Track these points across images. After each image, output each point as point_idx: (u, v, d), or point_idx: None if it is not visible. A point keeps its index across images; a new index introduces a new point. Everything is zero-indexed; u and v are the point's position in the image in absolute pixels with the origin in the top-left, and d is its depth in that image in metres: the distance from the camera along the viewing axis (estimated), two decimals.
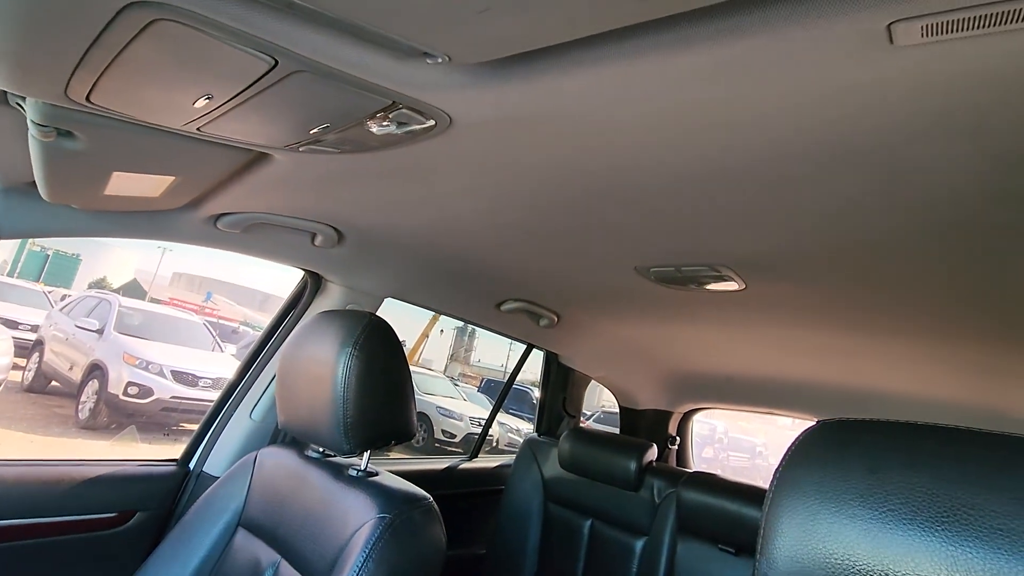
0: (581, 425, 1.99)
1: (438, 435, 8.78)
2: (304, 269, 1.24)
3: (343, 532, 0.80)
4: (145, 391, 5.77)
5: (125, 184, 0.77)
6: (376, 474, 0.92)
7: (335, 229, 1.06)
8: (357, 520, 0.80)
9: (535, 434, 1.88)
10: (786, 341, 1.38)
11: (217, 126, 0.59)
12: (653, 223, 0.82)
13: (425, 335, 17.31)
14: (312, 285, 1.26)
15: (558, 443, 1.64)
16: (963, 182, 0.55)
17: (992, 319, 0.97)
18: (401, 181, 0.80)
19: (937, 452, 0.38)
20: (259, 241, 1.07)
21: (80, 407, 5.94)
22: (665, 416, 2.18)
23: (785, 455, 0.44)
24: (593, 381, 2.05)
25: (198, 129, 0.60)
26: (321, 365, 0.89)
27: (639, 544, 1.47)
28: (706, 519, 1.35)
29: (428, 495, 0.88)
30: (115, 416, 5.74)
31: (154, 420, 5.78)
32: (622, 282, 1.16)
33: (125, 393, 5.75)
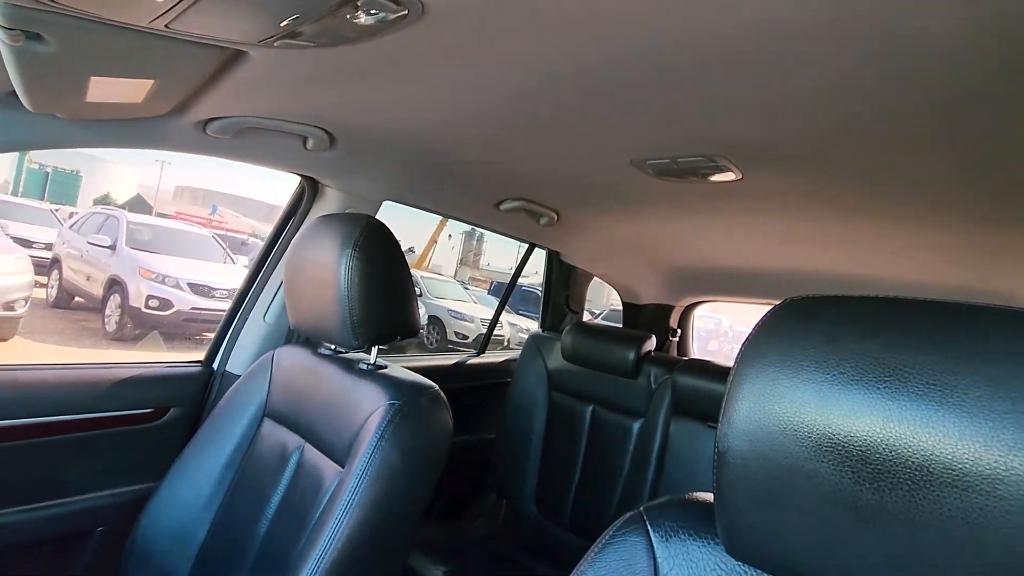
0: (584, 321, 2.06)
1: (451, 337, 9.13)
2: (300, 174, 1.24)
3: (358, 418, 0.87)
4: (165, 303, 5.97)
5: (105, 90, 0.75)
6: (385, 367, 0.99)
7: (325, 131, 1.04)
8: (370, 407, 0.87)
9: (540, 330, 1.96)
10: (785, 231, 1.39)
11: (185, 22, 0.57)
12: (645, 114, 0.80)
13: (433, 241, 17.40)
14: (309, 191, 1.27)
15: (561, 337, 1.71)
16: (958, 51, 0.53)
17: (991, 200, 0.96)
18: (385, 78, 0.78)
19: (890, 321, 0.41)
20: (251, 147, 1.06)
21: (106, 320, 6.20)
22: (666, 310, 2.25)
23: (753, 329, 0.47)
24: (597, 279, 2.10)
25: (167, 26, 0.58)
26: (324, 268, 0.92)
27: (636, 426, 1.58)
28: (697, 400, 1.44)
29: (435, 384, 0.94)
30: (140, 328, 6.00)
31: (178, 330, 6.03)
32: (619, 177, 1.15)
33: (147, 306, 5.96)
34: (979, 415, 0.34)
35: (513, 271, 2.12)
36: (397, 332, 0.97)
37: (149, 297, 5.96)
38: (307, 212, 1.27)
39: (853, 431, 0.38)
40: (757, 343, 0.46)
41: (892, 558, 0.37)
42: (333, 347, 1.06)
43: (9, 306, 4.95)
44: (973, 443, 0.34)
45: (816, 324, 0.43)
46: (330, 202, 1.26)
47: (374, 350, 0.98)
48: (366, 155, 1.16)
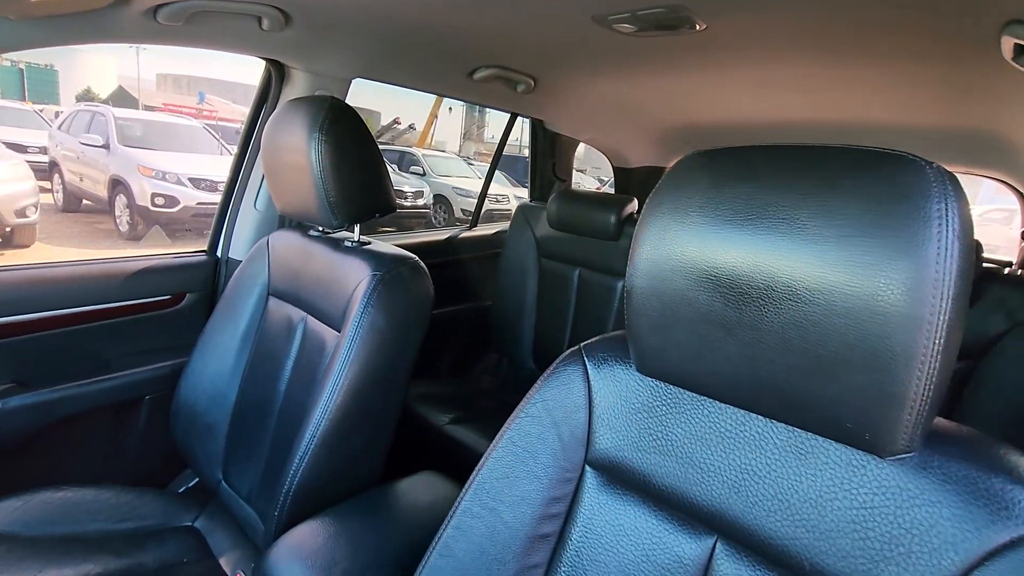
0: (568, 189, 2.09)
1: (457, 214, 9.17)
2: (263, 58, 1.22)
3: (347, 289, 0.97)
4: (171, 200, 6.02)
5: None
6: (369, 243, 1.07)
7: (278, 9, 1.02)
8: (356, 278, 0.96)
9: (529, 200, 2.01)
10: (764, 80, 1.36)
11: None
12: None
13: (434, 116, 16.68)
14: (276, 74, 1.26)
15: (547, 206, 1.76)
16: None
17: (961, 33, 0.94)
18: None
19: (764, 166, 0.46)
20: (205, 32, 1.05)
21: (118, 221, 6.32)
22: (657, 171, 2.25)
23: (659, 182, 0.53)
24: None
25: None
26: (296, 154, 0.96)
27: (619, 285, 1.69)
28: None
29: (414, 256, 1.03)
30: (151, 226, 6.11)
31: (188, 226, 6.14)
32: (587, 35, 1.12)
33: (153, 204, 6.02)
34: (811, 240, 0.41)
35: (525, 146, 2.11)
36: (375, 210, 1.03)
37: (154, 195, 6.01)
38: (277, 97, 1.28)
39: (723, 263, 0.46)
40: (657, 193, 0.52)
41: (748, 358, 0.46)
42: (321, 228, 1.13)
43: (21, 213, 5.05)
44: (805, 264, 0.42)
45: (705, 173, 0.49)
46: (298, 85, 1.26)
47: (356, 228, 1.06)
48: (327, 32, 1.14)
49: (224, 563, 1.01)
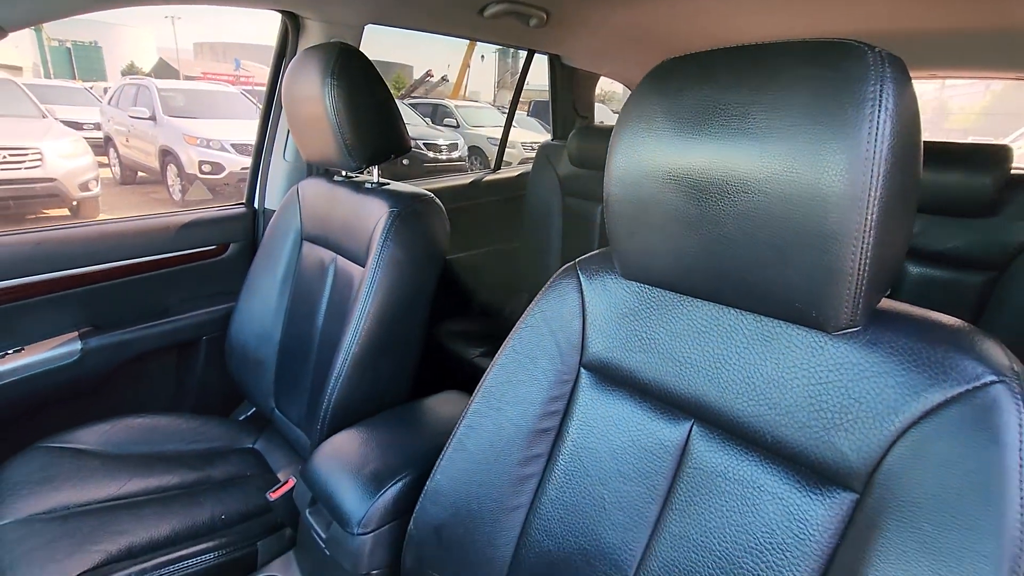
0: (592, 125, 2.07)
1: (493, 165, 9.12)
2: (277, 10, 1.27)
3: (368, 227, 1.04)
4: (217, 167, 6.26)
5: None
6: (388, 183, 1.13)
7: None
8: (376, 216, 1.03)
9: (551, 140, 2.01)
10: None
11: None
12: None
13: (466, 65, 16.34)
14: (292, 26, 1.30)
15: (567, 144, 1.77)
16: None
17: None
18: None
19: (723, 67, 0.48)
20: None
21: (171, 190, 6.64)
22: None
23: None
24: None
25: None
26: (312, 102, 1.02)
27: None
28: None
29: (429, 193, 1.08)
30: (203, 192, 6.40)
31: (237, 189, 6.39)
32: None
33: (201, 171, 6.28)
34: (761, 134, 0.44)
35: (516, 84, 2.10)
36: (390, 151, 1.08)
37: (201, 163, 6.26)
38: (295, 49, 1.33)
39: (685, 164, 0.49)
40: (629, 103, 0.55)
41: (711, 252, 0.50)
42: (344, 173, 1.20)
43: (84, 187, 5.39)
44: (755, 157, 0.44)
45: (673, 78, 0.51)
46: (313, 35, 1.30)
47: (375, 171, 1.12)
48: None
49: (281, 476, 1.15)
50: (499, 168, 2.09)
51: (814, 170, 0.42)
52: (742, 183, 0.45)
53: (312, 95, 1.01)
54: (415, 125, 8.68)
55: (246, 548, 0.93)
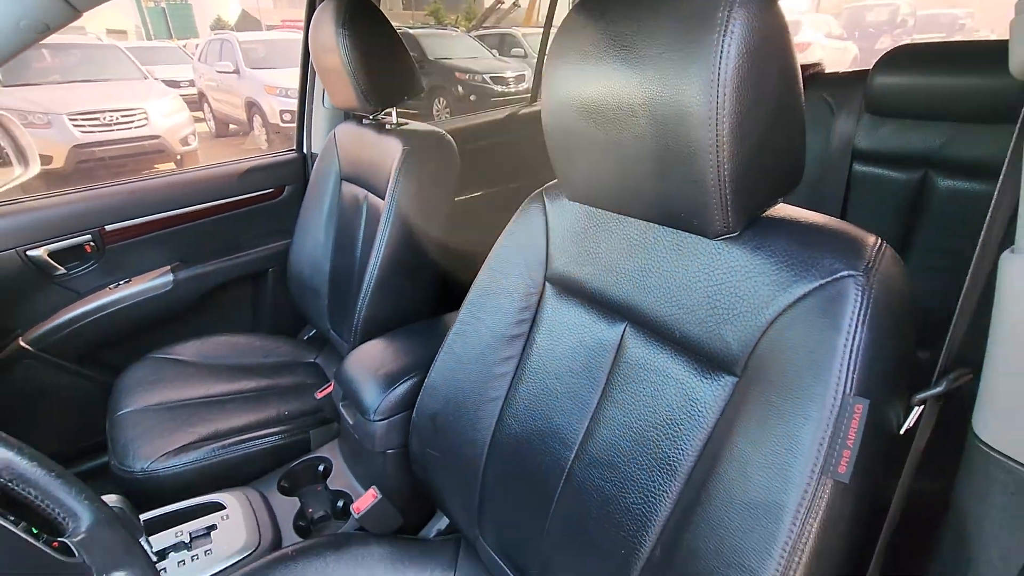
0: None
1: None
2: None
3: (388, 162, 1.15)
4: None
5: None
6: (405, 124, 1.23)
7: None
8: (392, 154, 1.14)
9: None
10: None
11: None
12: None
13: None
14: None
15: None
16: None
17: None
18: None
19: (622, 2, 0.52)
20: None
21: (258, 140, 7.13)
22: None
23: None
24: None
25: None
26: (330, 52, 1.12)
27: None
28: None
29: (441, 130, 1.17)
30: (288, 142, 6.82)
31: None
32: None
33: (283, 120, 6.66)
34: (641, 63, 0.49)
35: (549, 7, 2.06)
36: (403, 92, 1.18)
37: (282, 112, 6.63)
38: None
39: (590, 93, 0.55)
40: (555, 38, 0.60)
41: (619, 171, 0.57)
42: (371, 116, 1.31)
43: (184, 141, 5.95)
44: (638, 83, 0.50)
45: (582, 13, 0.56)
46: None
47: (393, 112, 1.22)
48: None
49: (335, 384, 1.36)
50: (535, 100, 2.11)
51: (678, 93, 0.47)
52: (631, 108, 0.51)
53: (329, 45, 1.11)
54: (481, 58, 8.55)
55: (301, 435, 1.15)
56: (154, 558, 0.83)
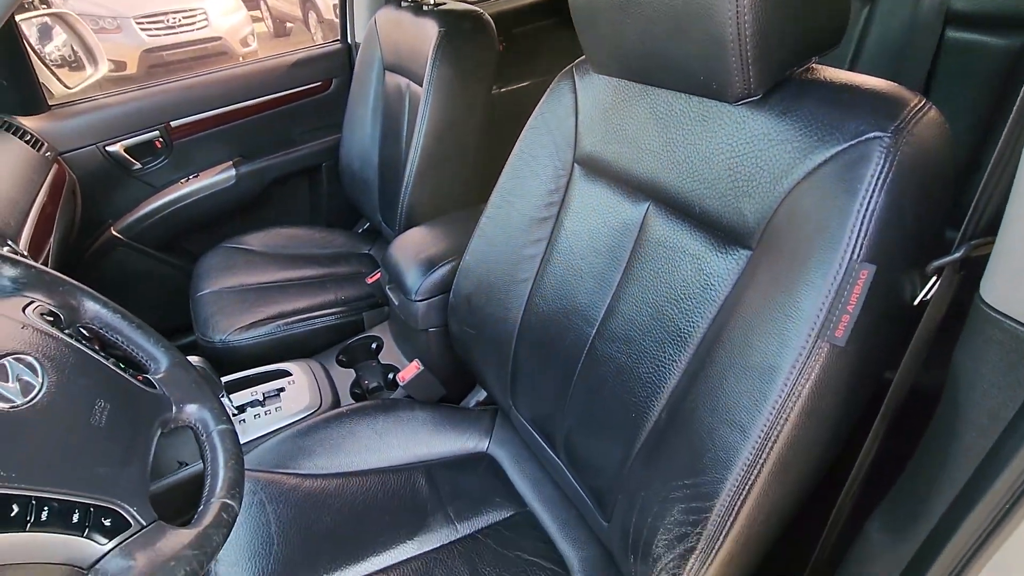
0: None
1: None
2: None
3: (425, 47, 1.13)
4: None
5: None
6: (443, 3, 1.18)
7: None
8: (430, 36, 1.11)
9: None
10: None
11: None
12: None
13: None
14: None
15: None
16: None
17: None
18: None
19: None
20: None
21: (313, 36, 7.01)
22: None
23: None
24: None
25: None
26: None
27: None
28: None
29: (478, 9, 1.12)
30: None
31: None
32: None
33: (336, 15, 6.49)
34: None
35: None
36: None
37: (334, 6, 6.44)
38: None
39: None
40: None
41: (640, 33, 0.54)
42: (410, 1, 1.27)
43: (244, 42, 5.96)
44: None
45: None
46: None
47: None
48: None
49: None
50: None
51: None
52: None
53: None
54: None
55: (355, 317, 1.25)
56: (235, 411, 0.97)
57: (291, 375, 1.07)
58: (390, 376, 1.11)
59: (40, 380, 0.43)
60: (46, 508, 0.37)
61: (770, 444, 0.46)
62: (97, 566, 0.38)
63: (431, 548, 0.77)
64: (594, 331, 0.71)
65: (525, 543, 0.79)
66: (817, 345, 0.44)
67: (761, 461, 0.46)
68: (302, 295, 1.28)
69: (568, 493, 0.80)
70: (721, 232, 0.56)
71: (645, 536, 0.56)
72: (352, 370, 1.14)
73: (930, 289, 0.46)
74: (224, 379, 1.05)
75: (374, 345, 1.21)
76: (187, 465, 0.91)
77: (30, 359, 0.44)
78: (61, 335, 0.50)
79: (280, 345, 1.16)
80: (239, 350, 1.14)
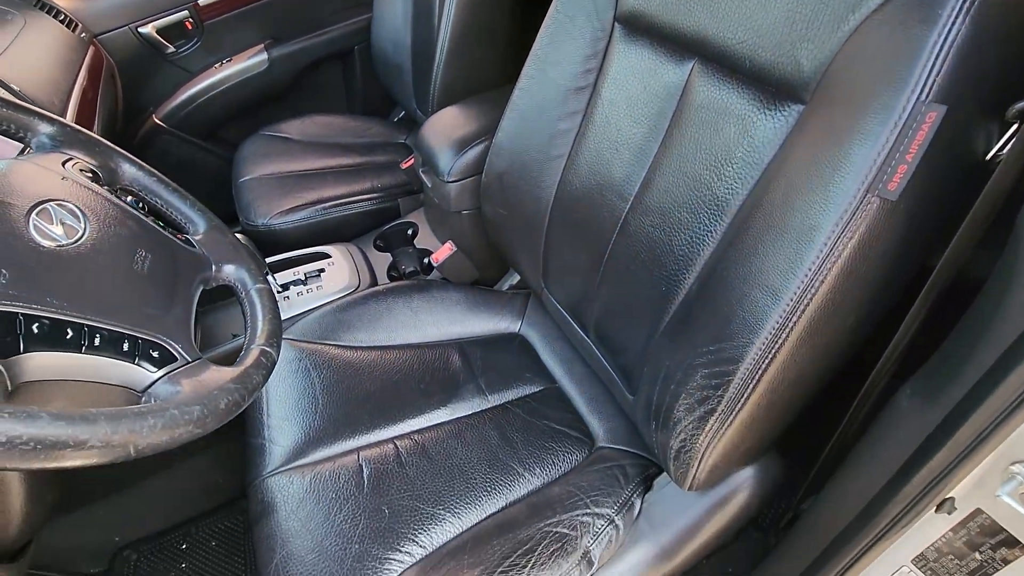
0: None
1: None
2: None
3: None
4: None
5: None
6: None
7: None
8: None
9: None
10: None
11: None
12: None
13: None
14: None
15: None
16: None
17: None
18: None
19: None
20: None
21: None
22: None
23: None
24: None
25: None
26: None
27: None
28: None
29: None
30: None
31: None
32: None
33: None
34: None
35: None
36: None
37: None
38: None
39: None
40: None
41: None
42: None
43: None
44: None
45: None
46: None
47: None
48: None
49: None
50: None
51: None
52: None
53: None
54: None
55: (391, 203, 1.25)
56: (279, 288, 1.02)
57: (330, 257, 1.10)
58: (425, 261, 1.13)
59: (82, 226, 0.45)
60: (98, 336, 0.40)
61: (803, 307, 0.44)
62: (150, 390, 0.41)
63: (463, 415, 0.82)
64: (628, 206, 0.69)
65: (553, 414, 0.83)
66: (866, 200, 0.40)
67: (791, 324, 0.45)
68: (339, 183, 1.29)
69: (596, 369, 0.82)
70: (772, 87, 0.51)
71: (668, 402, 0.57)
72: (389, 254, 1.17)
73: (1007, 142, 0.41)
74: (269, 260, 1.09)
75: (410, 231, 1.22)
76: (240, 337, 0.98)
77: (71, 206, 0.45)
78: (101, 189, 0.51)
79: (319, 229, 1.19)
80: (280, 233, 1.17)
